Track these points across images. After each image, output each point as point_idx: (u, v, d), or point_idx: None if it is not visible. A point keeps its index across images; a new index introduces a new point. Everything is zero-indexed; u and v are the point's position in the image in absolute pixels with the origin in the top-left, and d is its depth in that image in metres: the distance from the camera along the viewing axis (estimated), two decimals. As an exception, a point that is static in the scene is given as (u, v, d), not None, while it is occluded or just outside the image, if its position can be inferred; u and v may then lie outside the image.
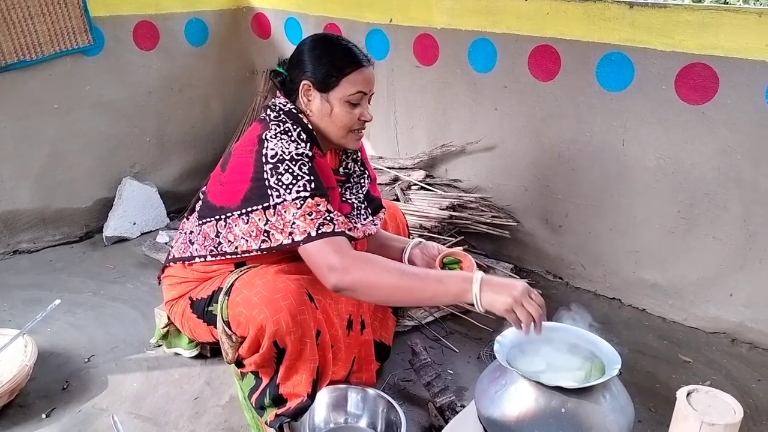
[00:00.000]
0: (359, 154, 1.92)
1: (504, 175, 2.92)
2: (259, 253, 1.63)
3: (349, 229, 1.67)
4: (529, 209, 2.89)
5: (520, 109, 2.75)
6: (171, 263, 1.89)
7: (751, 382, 2.23)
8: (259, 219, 1.58)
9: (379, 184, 2.97)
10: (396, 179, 3.00)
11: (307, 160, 1.60)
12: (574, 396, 1.37)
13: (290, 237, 1.54)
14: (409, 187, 2.97)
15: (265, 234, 1.58)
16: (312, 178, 1.58)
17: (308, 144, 1.64)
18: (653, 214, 2.53)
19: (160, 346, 2.29)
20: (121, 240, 3.18)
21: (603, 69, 2.46)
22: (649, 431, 1.97)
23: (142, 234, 3.24)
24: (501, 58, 2.73)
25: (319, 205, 1.55)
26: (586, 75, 2.50)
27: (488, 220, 2.82)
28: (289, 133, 1.64)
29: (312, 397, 1.65)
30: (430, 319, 2.50)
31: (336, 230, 1.55)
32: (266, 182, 1.57)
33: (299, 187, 1.55)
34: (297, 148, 1.60)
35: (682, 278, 2.53)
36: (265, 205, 1.57)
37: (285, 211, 1.54)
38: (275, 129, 1.64)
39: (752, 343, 2.42)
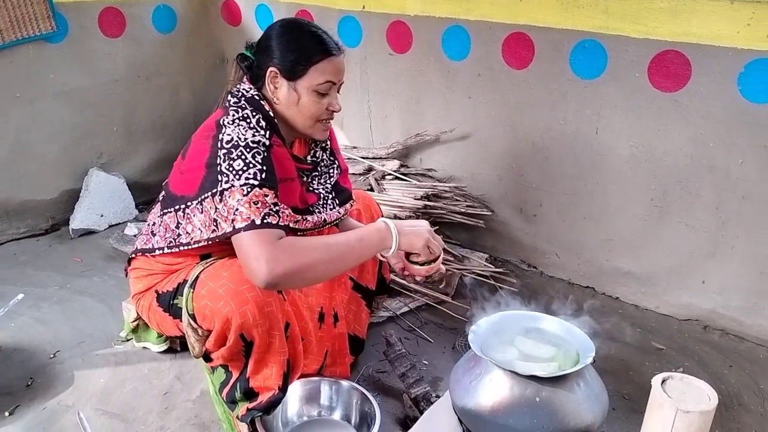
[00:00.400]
0: (329, 143, 1.88)
1: (478, 164, 2.91)
2: (207, 243, 1.59)
3: (296, 222, 1.65)
4: (503, 198, 2.88)
5: (494, 97, 2.73)
6: (135, 255, 1.84)
7: (722, 368, 2.25)
8: (210, 207, 1.54)
9: (353, 174, 2.93)
10: (370, 169, 2.97)
11: (263, 149, 1.55)
12: (548, 385, 1.37)
13: (232, 224, 1.48)
14: (383, 177, 2.94)
15: (215, 223, 1.54)
16: (264, 168, 1.53)
17: (267, 132, 1.60)
18: (626, 202, 2.53)
19: (129, 339, 2.24)
20: (88, 232, 3.11)
21: (576, 56, 2.45)
22: (623, 418, 1.98)
23: (110, 226, 3.17)
24: (475, 46, 2.71)
25: (266, 196, 1.50)
26: (560, 62, 2.49)
27: (463, 210, 2.81)
28: (248, 120, 1.59)
29: (284, 390, 1.62)
30: (405, 309, 2.48)
31: (280, 223, 1.51)
32: (218, 167, 1.52)
33: (249, 174, 1.50)
34: (254, 136, 1.55)
35: (655, 266, 2.55)
36: (213, 191, 1.52)
37: (230, 197, 1.49)
38: (233, 115, 1.59)
39: (724, 330, 2.44)
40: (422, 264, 1.72)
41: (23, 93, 2.90)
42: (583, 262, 2.75)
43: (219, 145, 1.53)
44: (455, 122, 2.89)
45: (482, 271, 2.70)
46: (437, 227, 2.81)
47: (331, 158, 1.88)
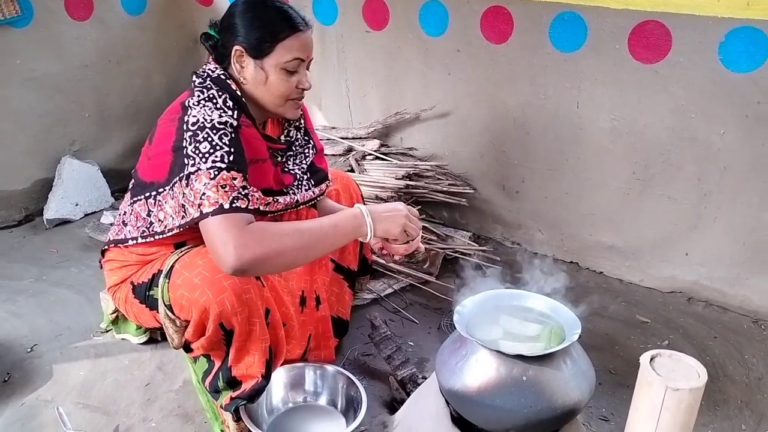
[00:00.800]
0: (303, 122, 1.83)
1: (459, 141, 2.87)
2: (180, 230, 1.54)
3: (267, 204, 1.61)
4: (485, 176, 2.86)
5: (474, 73, 2.69)
6: (108, 246, 1.79)
7: (707, 339, 2.26)
8: (179, 192, 1.49)
9: (333, 155, 2.89)
10: (350, 150, 2.92)
11: (230, 130, 1.50)
12: (535, 363, 1.36)
13: (199, 209, 1.43)
14: (363, 158, 2.89)
15: (183, 209, 1.49)
16: (232, 150, 1.48)
17: (234, 112, 1.54)
18: (608, 176, 2.52)
19: (109, 331, 2.20)
20: (64, 222, 3.04)
21: (556, 29, 2.41)
22: (609, 393, 1.97)
23: (85, 215, 3.11)
24: (453, 21, 2.66)
25: (235, 179, 1.46)
26: (539, 36, 2.45)
27: (445, 189, 2.78)
28: (214, 100, 1.53)
29: (267, 377, 1.59)
30: (389, 291, 2.46)
31: (250, 207, 1.47)
32: (184, 150, 1.47)
33: (216, 157, 1.45)
34: (221, 117, 1.50)
35: (638, 239, 2.54)
36: (181, 175, 1.48)
37: (197, 181, 1.44)
38: (199, 96, 1.54)
39: (707, 301, 2.45)
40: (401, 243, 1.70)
41: (-11, 80, 2.81)
42: (567, 237, 2.74)
43: (185, 128, 1.48)
44: (435, 100, 2.84)
45: (466, 249, 2.69)
46: (419, 206, 2.78)
47: (306, 138, 1.83)
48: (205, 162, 1.44)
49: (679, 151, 2.33)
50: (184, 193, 1.47)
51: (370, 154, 2.88)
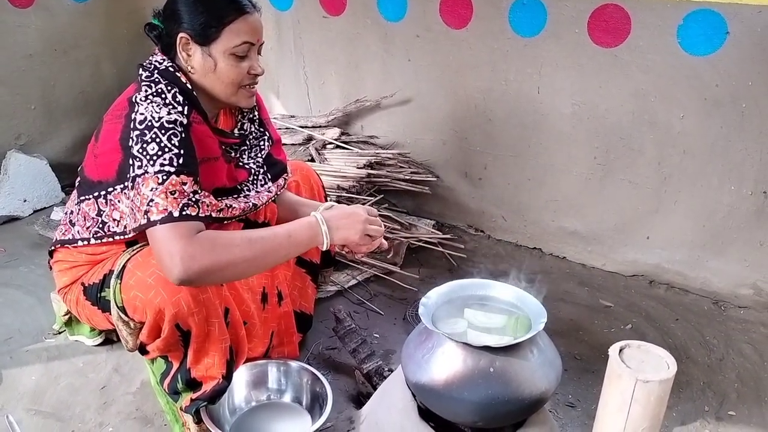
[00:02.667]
0: (257, 113, 1.76)
1: (421, 129, 2.84)
2: (134, 233, 1.47)
3: (220, 210, 1.55)
4: (448, 163, 2.83)
5: (434, 59, 2.66)
6: (56, 247, 1.70)
7: (669, 322, 2.28)
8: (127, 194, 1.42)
9: (292, 144, 2.83)
10: (310, 138, 2.87)
11: (180, 129, 1.43)
12: (502, 354, 1.34)
13: (146, 216, 1.36)
14: (324, 147, 2.84)
15: (133, 212, 1.42)
16: (182, 152, 1.40)
17: (185, 108, 1.47)
18: (570, 161, 2.52)
19: (62, 332, 2.11)
20: (11, 219, 2.92)
21: (515, 13, 2.39)
22: (575, 379, 1.97)
23: (34, 211, 2.99)
24: (411, 6, 2.61)
25: (185, 184, 1.39)
26: (499, 20, 2.43)
27: (407, 177, 2.75)
28: (163, 95, 1.45)
29: (228, 378, 1.53)
30: (353, 282, 2.42)
31: (200, 214, 1.41)
32: (131, 150, 1.40)
33: (164, 160, 1.38)
34: (169, 114, 1.42)
35: (600, 224, 2.55)
36: (128, 176, 1.40)
37: (143, 185, 1.37)
38: (146, 91, 1.45)
39: (669, 284, 2.48)
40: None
41: (-74, 73, 2.66)
42: (530, 223, 2.73)
43: (132, 126, 1.40)
44: (395, 86, 2.80)
45: (429, 238, 2.66)
46: (382, 195, 2.75)
47: (261, 129, 1.76)
48: (153, 165, 1.36)
49: (639, 135, 2.33)
50: (129, 197, 1.40)
51: (331, 143, 2.83)
